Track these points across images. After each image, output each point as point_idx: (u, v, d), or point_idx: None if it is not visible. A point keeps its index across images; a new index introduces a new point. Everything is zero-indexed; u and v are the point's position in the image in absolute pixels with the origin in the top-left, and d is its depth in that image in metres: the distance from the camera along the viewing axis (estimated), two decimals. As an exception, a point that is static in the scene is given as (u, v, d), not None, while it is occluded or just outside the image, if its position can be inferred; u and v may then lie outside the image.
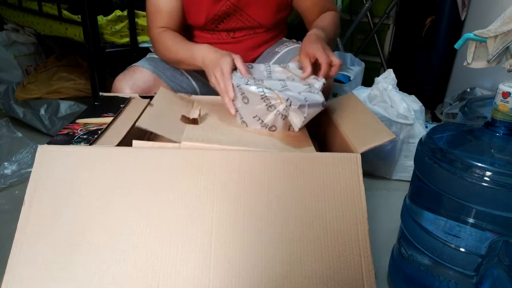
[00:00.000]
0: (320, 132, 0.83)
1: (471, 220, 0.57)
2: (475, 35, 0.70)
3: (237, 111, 0.69)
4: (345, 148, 0.63)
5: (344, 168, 0.56)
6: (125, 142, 0.61)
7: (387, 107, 1.10)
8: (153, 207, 0.52)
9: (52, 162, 0.54)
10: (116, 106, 0.73)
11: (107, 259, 0.49)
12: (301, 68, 0.75)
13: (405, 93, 1.16)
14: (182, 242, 0.50)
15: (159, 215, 0.52)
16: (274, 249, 0.51)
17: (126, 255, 0.49)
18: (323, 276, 0.50)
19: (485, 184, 0.54)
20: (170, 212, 0.52)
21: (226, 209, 0.53)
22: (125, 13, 1.09)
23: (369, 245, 0.52)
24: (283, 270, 0.50)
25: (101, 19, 1.07)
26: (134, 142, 0.59)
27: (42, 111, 1.30)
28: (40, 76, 1.34)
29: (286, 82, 0.71)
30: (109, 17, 1.08)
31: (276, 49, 0.95)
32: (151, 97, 0.79)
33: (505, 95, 0.55)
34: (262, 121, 0.66)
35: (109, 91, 0.86)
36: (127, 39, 1.13)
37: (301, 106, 0.62)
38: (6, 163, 1.07)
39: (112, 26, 1.09)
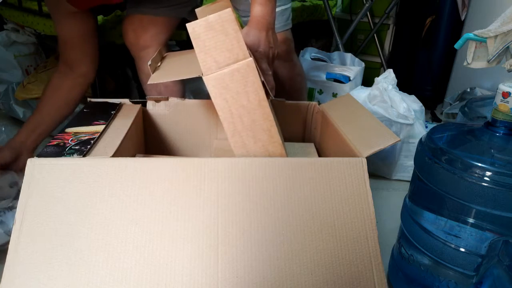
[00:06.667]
0: (317, 134, 0.83)
1: (471, 220, 0.57)
2: (475, 35, 0.70)
3: None
4: (348, 152, 0.62)
5: (350, 173, 0.54)
6: (120, 151, 0.59)
7: (387, 107, 1.10)
8: (154, 222, 0.50)
9: (44, 177, 0.51)
10: (107, 112, 0.69)
11: (108, 279, 0.46)
12: None
13: (405, 93, 1.16)
14: (188, 258, 0.48)
15: (162, 230, 0.49)
16: (284, 260, 0.49)
17: (128, 274, 0.47)
18: (335, 286, 0.48)
19: (485, 184, 0.54)
20: (173, 226, 0.50)
21: (231, 220, 0.50)
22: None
23: (379, 252, 0.51)
24: (294, 282, 0.48)
25: (101, 19, 1.07)
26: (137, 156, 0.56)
27: (42, 111, 1.29)
28: (40, 76, 1.33)
29: None
30: (109, 17, 1.08)
31: None
32: (143, 102, 0.78)
33: (505, 95, 0.55)
34: None
35: (109, 91, 0.86)
36: (127, 39, 1.13)
37: None
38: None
39: (112, 26, 1.09)
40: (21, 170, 0.83)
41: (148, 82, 0.63)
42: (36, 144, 0.86)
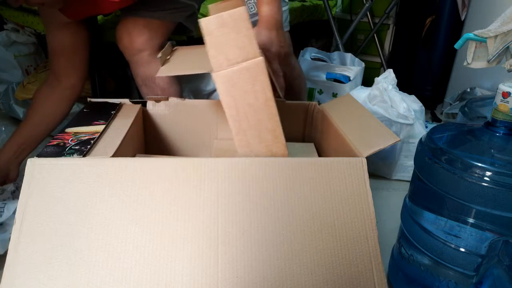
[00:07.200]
0: (317, 134, 0.83)
1: (471, 220, 0.57)
2: (475, 35, 0.70)
3: None
4: (348, 152, 0.62)
5: (350, 173, 0.54)
6: (120, 151, 0.59)
7: (387, 107, 1.10)
8: (154, 222, 0.50)
9: (44, 177, 0.51)
10: (107, 112, 0.69)
11: (108, 279, 0.46)
12: None
13: (405, 93, 1.16)
14: (188, 258, 0.48)
15: (162, 230, 0.49)
16: (284, 260, 0.49)
17: (128, 274, 0.47)
18: (335, 286, 0.48)
19: (485, 184, 0.54)
20: (173, 226, 0.50)
21: (231, 220, 0.50)
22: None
23: (379, 252, 0.51)
24: (294, 282, 0.48)
25: (101, 19, 1.07)
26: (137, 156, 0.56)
27: (42, 111, 1.29)
28: (40, 76, 1.34)
29: None
30: (109, 17, 1.08)
31: None
32: (143, 102, 0.78)
33: (505, 95, 0.55)
34: None
35: (109, 91, 0.86)
36: (127, 39, 1.12)
37: None
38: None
39: (112, 26, 1.09)
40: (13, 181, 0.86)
41: (157, 75, 0.63)
42: (22, 159, 0.88)
